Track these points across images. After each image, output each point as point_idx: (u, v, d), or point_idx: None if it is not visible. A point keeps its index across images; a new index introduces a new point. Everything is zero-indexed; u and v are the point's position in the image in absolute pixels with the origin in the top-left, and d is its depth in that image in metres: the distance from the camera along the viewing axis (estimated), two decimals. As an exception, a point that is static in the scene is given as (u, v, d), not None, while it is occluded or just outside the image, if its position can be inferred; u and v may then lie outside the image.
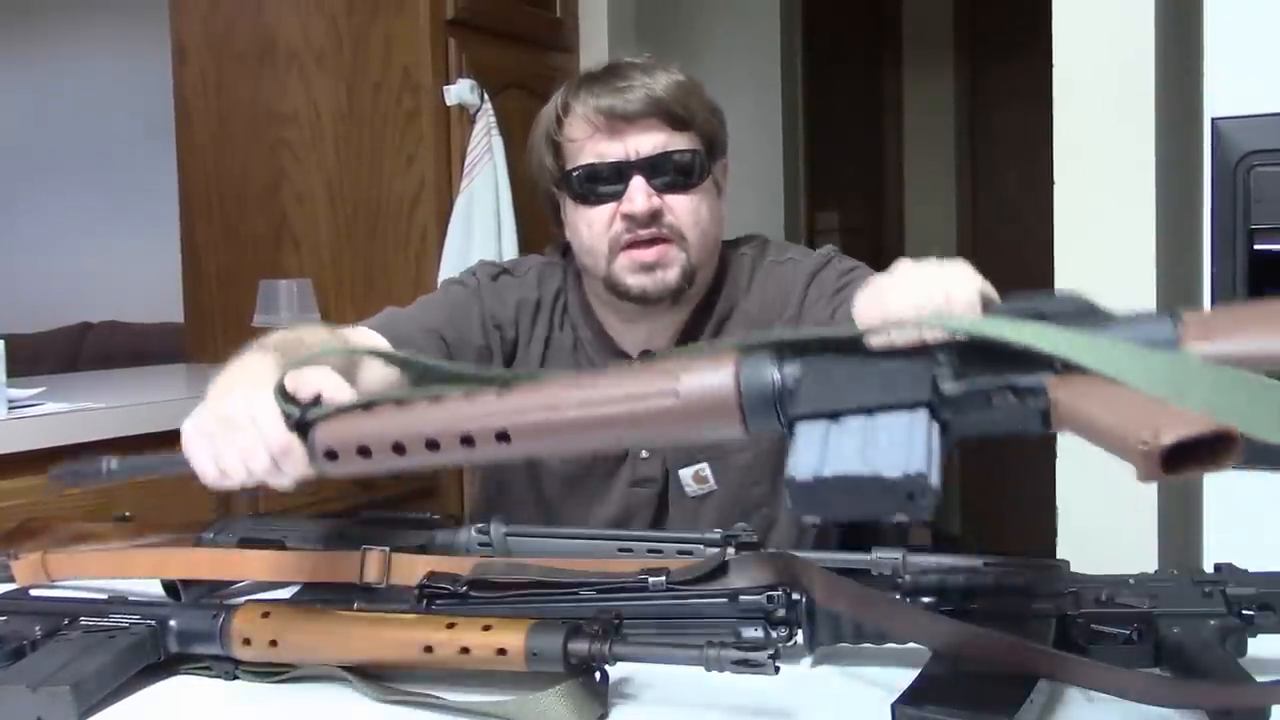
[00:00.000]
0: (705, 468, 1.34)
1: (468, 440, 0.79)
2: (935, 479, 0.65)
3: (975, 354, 0.71)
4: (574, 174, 1.29)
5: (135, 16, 4.43)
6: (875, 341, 0.72)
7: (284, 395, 0.89)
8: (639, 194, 1.25)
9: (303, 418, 0.87)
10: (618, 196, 1.27)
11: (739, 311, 1.38)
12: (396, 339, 1.29)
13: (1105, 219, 1.92)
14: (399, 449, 0.81)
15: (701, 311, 1.37)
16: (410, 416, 0.82)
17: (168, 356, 3.29)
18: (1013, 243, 4.12)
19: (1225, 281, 1.74)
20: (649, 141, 1.27)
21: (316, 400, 0.88)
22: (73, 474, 1.05)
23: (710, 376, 0.74)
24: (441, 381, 0.83)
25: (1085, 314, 0.72)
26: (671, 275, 1.29)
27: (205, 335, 2.98)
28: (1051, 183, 1.96)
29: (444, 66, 2.74)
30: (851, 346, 0.73)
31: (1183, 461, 0.61)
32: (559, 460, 1.36)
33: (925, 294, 0.93)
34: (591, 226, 1.29)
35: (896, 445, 0.67)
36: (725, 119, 1.36)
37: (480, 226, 2.70)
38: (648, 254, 1.27)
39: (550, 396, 0.78)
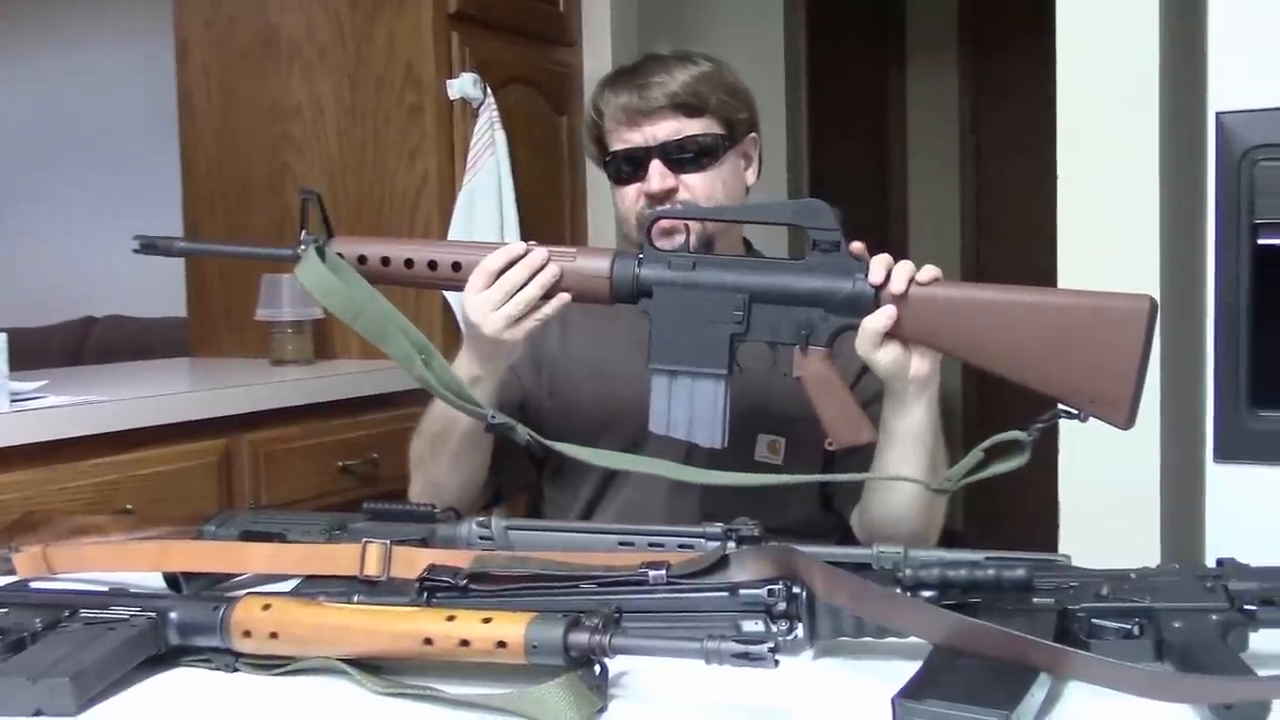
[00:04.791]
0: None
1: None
2: None
3: None
4: (608, 159, 1.49)
5: (138, 10, 4.43)
6: None
7: None
8: (655, 175, 1.44)
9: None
10: (641, 177, 1.45)
11: None
12: None
13: (1109, 213, 1.91)
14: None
15: None
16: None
17: (171, 350, 3.28)
18: (1017, 236, 4.11)
19: (1229, 276, 1.73)
20: (665, 129, 1.44)
21: None
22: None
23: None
24: None
25: None
26: (688, 239, 1.41)
27: (208, 330, 2.97)
28: (1055, 177, 1.95)
29: (447, 61, 2.74)
30: None
31: None
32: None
33: None
34: (624, 201, 1.48)
35: None
36: (752, 98, 1.52)
37: (482, 220, 2.70)
38: (666, 223, 1.42)
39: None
